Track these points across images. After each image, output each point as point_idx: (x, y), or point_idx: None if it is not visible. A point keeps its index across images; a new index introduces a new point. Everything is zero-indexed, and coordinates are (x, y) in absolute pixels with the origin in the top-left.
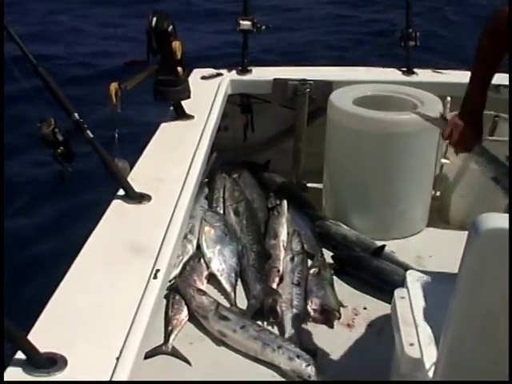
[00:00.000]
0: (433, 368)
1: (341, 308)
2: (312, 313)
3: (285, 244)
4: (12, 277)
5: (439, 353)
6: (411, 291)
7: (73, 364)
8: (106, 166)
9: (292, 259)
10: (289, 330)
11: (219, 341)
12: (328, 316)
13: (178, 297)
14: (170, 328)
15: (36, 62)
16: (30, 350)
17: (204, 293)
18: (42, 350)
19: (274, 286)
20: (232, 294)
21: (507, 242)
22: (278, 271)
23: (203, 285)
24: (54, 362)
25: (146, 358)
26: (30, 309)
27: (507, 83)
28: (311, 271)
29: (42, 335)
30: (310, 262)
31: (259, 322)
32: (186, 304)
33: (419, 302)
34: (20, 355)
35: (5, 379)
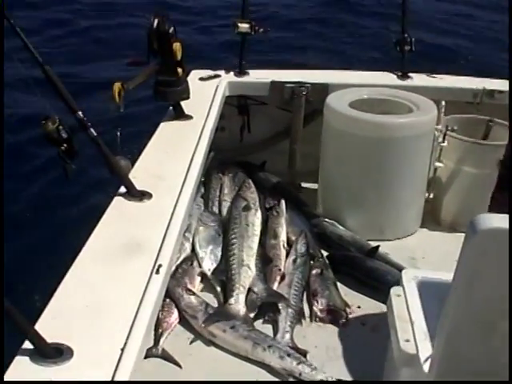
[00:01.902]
0: (428, 363)
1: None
2: (319, 313)
3: (285, 244)
4: (17, 269)
5: (435, 348)
6: (407, 289)
7: (79, 354)
8: (108, 163)
9: (295, 260)
10: (282, 329)
11: (209, 341)
12: (335, 316)
13: (168, 300)
14: (160, 331)
15: (42, 61)
16: (37, 340)
17: (193, 293)
18: (48, 340)
19: (276, 285)
20: (221, 293)
21: (504, 242)
22: (280, 270)
23: (195, 287)
24: (61, 352)
25: None
26: (36, 301)
27: (501, 89)
28: (313, 272)
29: (49, 326)
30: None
31: (257, 321)
32: (177, 307)
33: (414, 300)
34: (27, 345)
35: (12, 368)
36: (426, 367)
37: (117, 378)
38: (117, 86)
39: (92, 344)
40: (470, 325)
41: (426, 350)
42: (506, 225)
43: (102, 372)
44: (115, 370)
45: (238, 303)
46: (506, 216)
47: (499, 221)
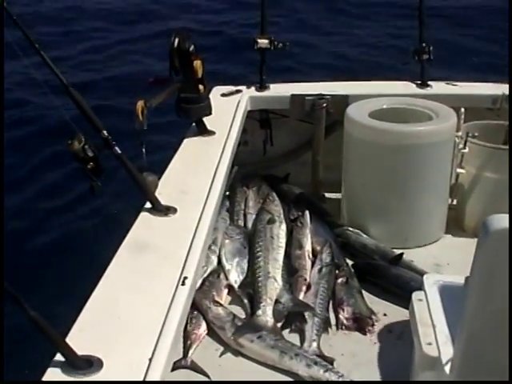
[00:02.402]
0: (449, 365)
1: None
2: (345, 321)
3: (310, 254)
4: (47, 283)
5: (455, 350)
6: (428, 294)
7: (108, 365)
8: (134, 180)
9: (320, 270)
10: (309, 338)
11: (237, 352)
12: (361, 323)
13: (196, 312)
14: (189, 342)
15: (67, 82)
16: (68, 352)
17: (220, 304)
18: (79, 352)
19: (302, 295)
20: (248, 305)
21: None
22: (305, 280)
23: (222, 299)
24: (91, 363)
25: None
26: (67, 314)
27: None
28: (339, 281)
29: (79, 339)
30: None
31: (284, 331)
32: (205, 319)
33: (436, 304)
34: (59, 357)
35: (44, 379)
36: (447, 369)
37: None
38: (140, 104)
39: (121, 355)
40: (487, 325)
41: (447, 352)
42: None
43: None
44: (143, 380)
45: (266, 315)
46: None
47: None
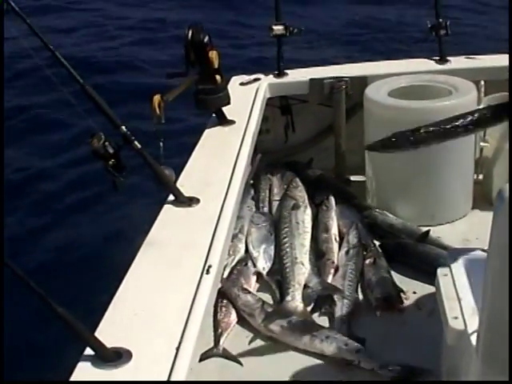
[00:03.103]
0: (475, 337)
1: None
2: (374, 301)
3: (336, 237)
4: (74, 279)
5: (479, 323)
6: (453, 268)
7: (137, 356)
8: (155, 173)
9: (347, 252)
10: (339, 320)
11: (268, 338)
12: (391, 303)
13: (225, 300)
14: (219, 331)
15: (83, 82)
16: (97, 346)
17: (249, 292)
18: (108, 345)
19: (330, 278)
20: (277, 291)
21: None
22: (333, 263)
23: (251, 287)
24: (120, 355)
25: (199, 360)
26: (95, 310)
27: None
28: (367, 261)
29: (108, 331)
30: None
31: (313, 313)
32: (234, 307)
33: (461, 278)
34: (88, 352)
35: (76, 373)
36: (473, 341)
37: (173, 377)
38: (156, 98)
39: (149, 346)
40: (508, 295)
41: (473, 325)
42: None
43: (160, 371)
44: (171, 369)
45: (295, 300)
46: None
47: None
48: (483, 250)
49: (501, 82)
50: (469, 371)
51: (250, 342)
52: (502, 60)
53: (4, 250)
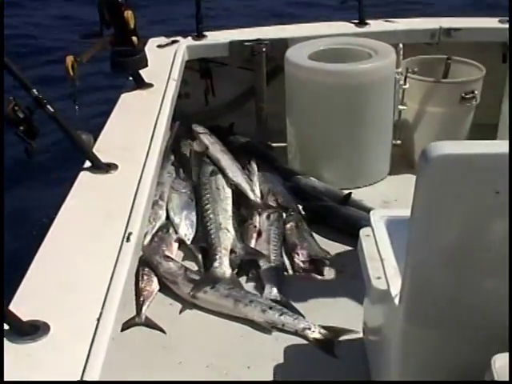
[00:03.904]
0: (398, 296)
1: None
2: (301, 264)
3: (259, 201)
4: None
5: (402, 282)
6: (375, 229)
7: (55, 329)
8: (71, 139)
9: (268, 217)
10: (268, 285)
11: (192, 304)
12: (317, 265)
13: (147, 268)
14: (141, 299)
15: None
16: (12, 319)
17: (171, 259)
18: (24, 318)
19: (253, 242)
20: (200, 257)
21: (456, 168)
22: (255, 227)
23: (173, 254)
24: (37, 328)
25: (121, 330)
26: (9, 280)
27: (457, 26)
28: (288, 225)
29: (24, 304)
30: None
31: (240, 279)
32: (156, 275)
33: (383, 238)
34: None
35: None
36: (396, 301)
37: (95, 348)
38: (69, 59)
39: (68, 317)
40: (431, 254)
41: (396, 284)
42: (458, 151)
43: (81, 343)
44: (92, 340)
45: (223, 265)
46: (458, 142)
47: (450, 147)
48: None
49: (419, 45)
50: (392, 329)
51: (180, 312)
52: (420, 23)
53: None
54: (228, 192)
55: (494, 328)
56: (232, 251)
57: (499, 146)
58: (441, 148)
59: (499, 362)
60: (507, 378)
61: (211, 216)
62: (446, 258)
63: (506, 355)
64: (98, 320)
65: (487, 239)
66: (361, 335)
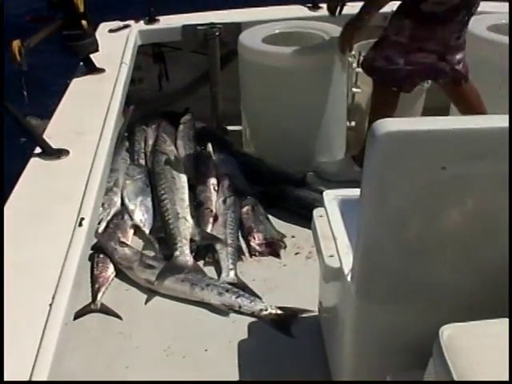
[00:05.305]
0: (350, 274)
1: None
2: (258, 247)
3: (215, 186)
4: None
5: (353, 260)
6: (328, 209)
7: (7, 316)
8: (20, 124)
9: (224, 201)
10: (225, 268)
11: (148, 290)
12: (273, 247)
13: (102, 255)
14: (96, 286)
15: None
16: None
17: (126, 245)
18: None
19: (209, 227)
20: (156, 243)
21: (404, 144)
22: (211, 211)
23: (128, 240)
24: None
25: (75, 318)
26: None
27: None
28: (244, 209)
29: None
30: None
31: (198, 263)
32: (111, 261)
33: (336, 217)
34: None
35: None
36: (349, 278)
37: (47, 334)
38: (16, 44)
39: (20, 303)
40: (381, 232)
41: (348, 262)
42: (403, 127)
43: (33, 329)
44: (45, 326)
45: (185, 254)
46: (403, 119)
47: (396, 124)
48: None
49: (372, 28)
50: (344, 306)
51: (130, 295)
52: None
53: None
54: (184, 180)
55: (444, 302)
56: (192, 240)
57: (444, 122)
58: (387, 125)
59: (447, 332)
60: (454, 349)
61: (168, 206)
62: (395, 235)
63: (454, 325)
64: (51, 305)
65: (436, 215)
66: (317, 314)
